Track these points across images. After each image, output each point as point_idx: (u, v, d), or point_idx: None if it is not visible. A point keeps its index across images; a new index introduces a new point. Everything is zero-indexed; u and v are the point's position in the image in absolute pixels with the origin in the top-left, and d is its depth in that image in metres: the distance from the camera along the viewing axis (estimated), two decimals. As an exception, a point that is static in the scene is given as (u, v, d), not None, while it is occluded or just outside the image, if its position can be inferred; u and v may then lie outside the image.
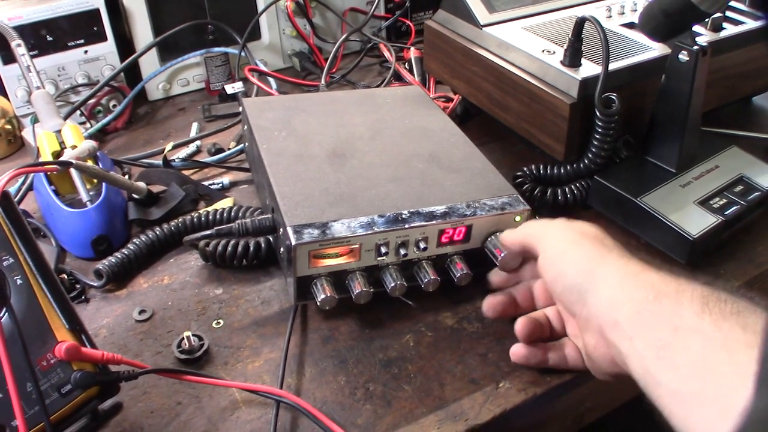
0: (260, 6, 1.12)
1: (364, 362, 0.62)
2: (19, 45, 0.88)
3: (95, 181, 0.78)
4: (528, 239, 0.61)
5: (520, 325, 0.61)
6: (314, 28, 1.17)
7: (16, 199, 0.81)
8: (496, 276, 0.67)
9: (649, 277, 0.50)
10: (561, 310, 0.62)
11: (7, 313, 0.49)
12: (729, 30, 0.86)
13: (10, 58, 0.92)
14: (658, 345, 0.46)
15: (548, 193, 0.79)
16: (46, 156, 0.78)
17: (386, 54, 1.15)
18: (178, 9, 1.07)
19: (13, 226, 0.52)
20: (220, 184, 0.87)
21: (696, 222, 0.71)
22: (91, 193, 0.76)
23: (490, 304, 0.65)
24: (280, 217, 0.63)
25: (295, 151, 0.73)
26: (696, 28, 0.74)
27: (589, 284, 0.53)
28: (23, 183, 0.83)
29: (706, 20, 0.84)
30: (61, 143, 0.80)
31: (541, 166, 0.82)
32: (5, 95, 0.98)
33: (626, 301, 0.49)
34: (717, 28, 0.85)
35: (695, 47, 0.72)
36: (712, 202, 0.73)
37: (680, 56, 0.73)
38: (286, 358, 0.62)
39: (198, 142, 0.97)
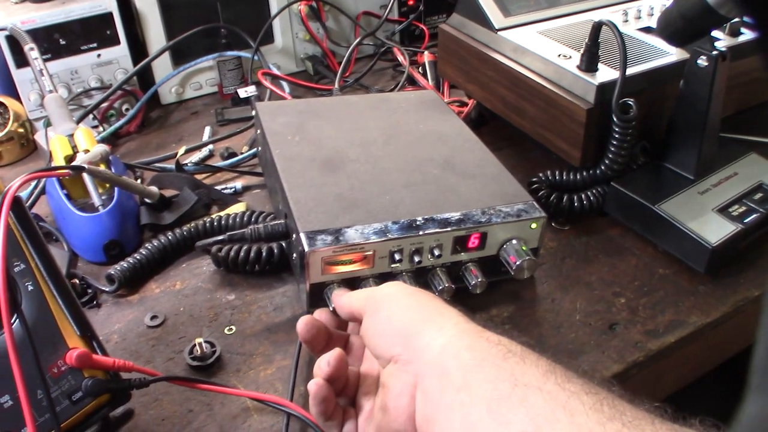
0: (273, 9, 1.12)
1: (377, 371, 0.61)
2: (32, 49, 0.88)
3: (107, 185, 0.77)
4: (356, 309, 0.54)
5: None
6: (327, 32, 1.17)
7: (28, 203, 0.81)
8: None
9: (494, 337, 0.46)
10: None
11: (18, 320, 0.48)
12: (747, 35, 0.85)
13: (23, 62, 0.92)
14: (491, 397, 0.42)
15: (564, 200, 0.78)
16: (58, 160, 0.78)
17: (400, 58, 1.14)
18: (191, 13, 1.07)
19: (24, 232, 0.51)
20: (233, 189, 0.87)
21: (715, 230, 0.70)
22: (103, 197, 0.76)
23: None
24: (293, 223, 0.63)
25: (308, 155, 0.72)
26: (713, 33, 0.73)
27: (419, 329, 0.48)
28: (36, 187, 0.83)
29: (724, 25, 0.83)
30: (74, 147, 0.79)
31: (557, 172, 0.81)
32: (18, 99, 0.98)
33: (464, 350, 0.45)
34: (735, 33, 0.84)
35: (714, 52, 0.71)
36: (731, 210, 0.72)
37: (699, 61, 0.72)
38: (297, 368, 0.61)
39: (211, 146, 0.96)
